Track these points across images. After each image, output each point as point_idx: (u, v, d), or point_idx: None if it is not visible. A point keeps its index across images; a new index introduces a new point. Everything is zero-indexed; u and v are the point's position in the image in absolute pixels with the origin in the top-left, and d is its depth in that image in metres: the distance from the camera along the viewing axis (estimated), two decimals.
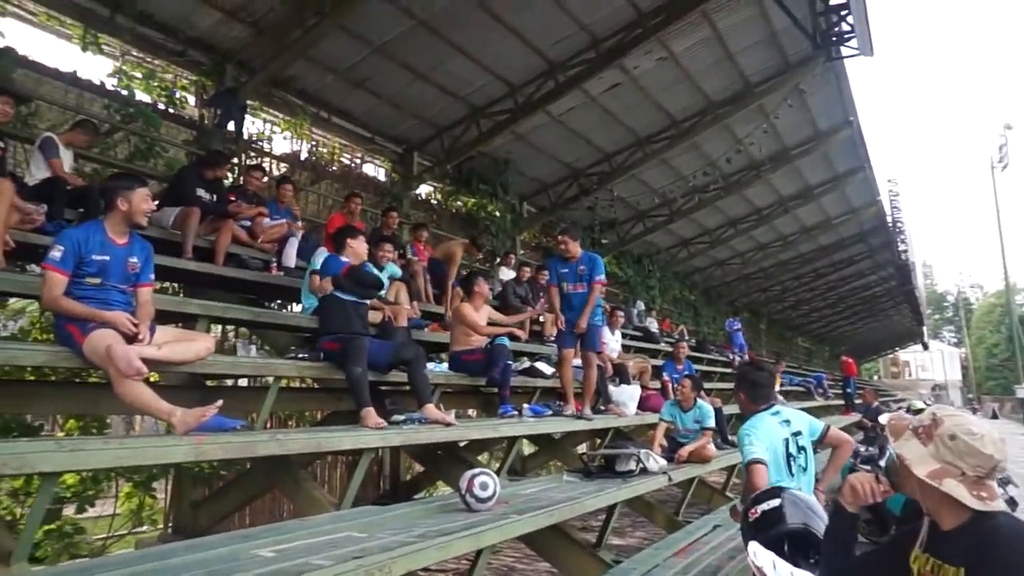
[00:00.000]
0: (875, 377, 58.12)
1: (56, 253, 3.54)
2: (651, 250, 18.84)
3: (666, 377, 9.43)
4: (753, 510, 2.57)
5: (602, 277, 6.40)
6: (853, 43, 10.27)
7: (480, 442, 7.57)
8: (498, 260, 11.80)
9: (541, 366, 7.65)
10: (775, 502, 2.54)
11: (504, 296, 9.97)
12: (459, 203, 12.98)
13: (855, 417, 15.96)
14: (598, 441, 8.36)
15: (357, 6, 7.69)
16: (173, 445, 3.10)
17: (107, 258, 3.68)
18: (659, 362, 10.77)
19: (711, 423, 6.74)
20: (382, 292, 6.83)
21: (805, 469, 3.55)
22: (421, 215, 11.94)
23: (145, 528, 8.09)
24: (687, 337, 15.92)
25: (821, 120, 13.78)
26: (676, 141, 12.67)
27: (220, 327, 8.47)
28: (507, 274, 10.72)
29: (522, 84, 10.44)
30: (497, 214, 12.96)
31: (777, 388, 14.10)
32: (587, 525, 7.73)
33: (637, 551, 5.75)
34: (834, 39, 10.36)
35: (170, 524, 7.19)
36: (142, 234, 4.10)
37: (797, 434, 3.58)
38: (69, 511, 7.51)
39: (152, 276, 4.00)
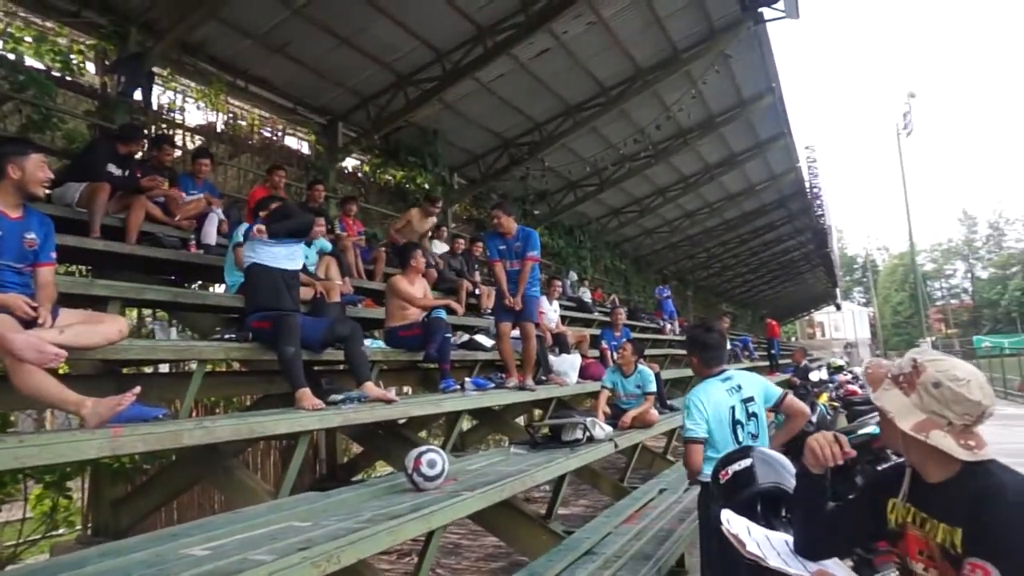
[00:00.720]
0: (792, 338, 60.84)
1: None
2: (582, 220, 18.87)
3: (604, 345, 9.44)
4: (724, 471, 2.48)
5: (535, 252, 6.38)
6: (779, 5, 10.38)
7: (420, 419, 7.36)
8: (430, 234, 11.50)
9: (480, 339, 7.49)
10: (746, 462, 2.45)
11: (438, 269, 9.73)
12: (388, 176, 12.56)
13: (780, 377, 16.58)
14: (538, 412, 8.30)
15: None
16: (85, 440, 2.77)
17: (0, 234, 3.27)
18: (595, 331, 10.78)
19: (653, 387, 6.74)
20: (311, 267, 6.50)
21: (756, 436, 3.50)
22: (348, 189, 11.49)
23: (62, 531, 7.55)
24: (619, 305, 16.10)
25: (745, 87, 13.99)
26: (605, 109, 12.59)
27: (136, 311, 7.93)
28: (440, 247, 10.46)
29: (450, 50, 10.08)
30: (426, 186, 12.61)
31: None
32: (531, 497, 7.69)
33: (584, 520, 5.73)
34: (760, 1, 10.41)
35: (89, 525, 6.72)
36: (43, 210, 3.68)
37: (748, 400, 3.53)
38: None
39: (53, 255, 3.58)
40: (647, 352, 12.89)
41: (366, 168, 12.38)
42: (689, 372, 9.45)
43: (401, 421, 6.77)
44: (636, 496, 5.73)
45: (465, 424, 9.95)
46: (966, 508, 1.58)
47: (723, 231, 24.57)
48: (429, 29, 9.58)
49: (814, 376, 9.97)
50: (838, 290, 48.60)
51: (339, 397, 4.57)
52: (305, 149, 11.17)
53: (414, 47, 9.86)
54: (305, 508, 3.44)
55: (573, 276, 16.55)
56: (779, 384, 4.39)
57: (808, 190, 23.37)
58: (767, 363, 20.07)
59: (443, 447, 5.80)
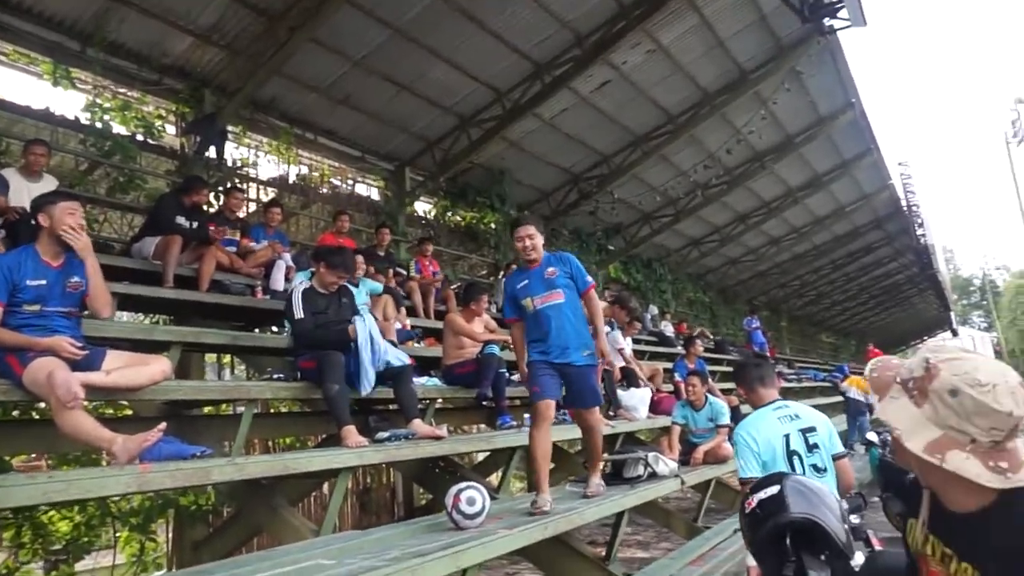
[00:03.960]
0: None
1: None
2: (660, 253, 18.44)
3: (678, 378, 9.02)
4: (749, 500, 2.21)
5: (589, 279, 4.40)
6: (844, 14, 9.90)
7: (494, 459, 7.24)
8: (501, 274, 11.52)
9: None
10: (773, 489, 2.17)
11: (506, 307, 9.68)
12: (457, 217, 12.74)
13: None
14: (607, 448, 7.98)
15: (329, 18, 7.48)
16: (112, 476, 2.83)
17: (44, 282, 3.44)
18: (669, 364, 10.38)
19: (725, 420, 6.35)
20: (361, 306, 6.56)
21: (822, 471, 3.11)
22: (418, 232, 11.70)
23: (152, 573, 7.83)
24: (707, 337, 15.48)
25: (822, 104, 13.38)
26: (674, 136, 12.33)
27: (216, 357, 8.25)
28: None
29: (509, 89, 10.21)
30: (493, 226, 12.69)
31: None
32: (605, 539, 7.35)
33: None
34: (823, 11, 9.96)
35: (174, 568, 6.93)
36: (119, 264, 3.81)
37: (809, 430, 3.19)
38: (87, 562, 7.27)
39: None
40: (729, 385, 12.35)
41: (435, 211, 12.61)
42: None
43: (476, 460, 6.52)
44: (707, 536, 5.34)
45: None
46: (1004, 550, 1.24)
47: (814, 257, 23.37)
48: (487, 70, 9.74)
49: (868, 368, 9.00)
50: (952, 314, 45.10)
51: (385, 434, 4.51)
52: (375, 195, 11.50)
53: (473, 89, 10.04)
54: (338, 546, 3.37)
55: (654, 310, 16.13)
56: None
57: (905, 208, 21.95)
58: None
59: (499, 486, 5.67)
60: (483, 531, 3.54)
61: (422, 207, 12.54)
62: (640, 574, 4.35)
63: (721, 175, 14.94)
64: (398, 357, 5.07)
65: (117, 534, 7.28)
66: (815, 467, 3.12)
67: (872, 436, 7.48)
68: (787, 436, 3.13)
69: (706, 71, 11.25)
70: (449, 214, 12.59)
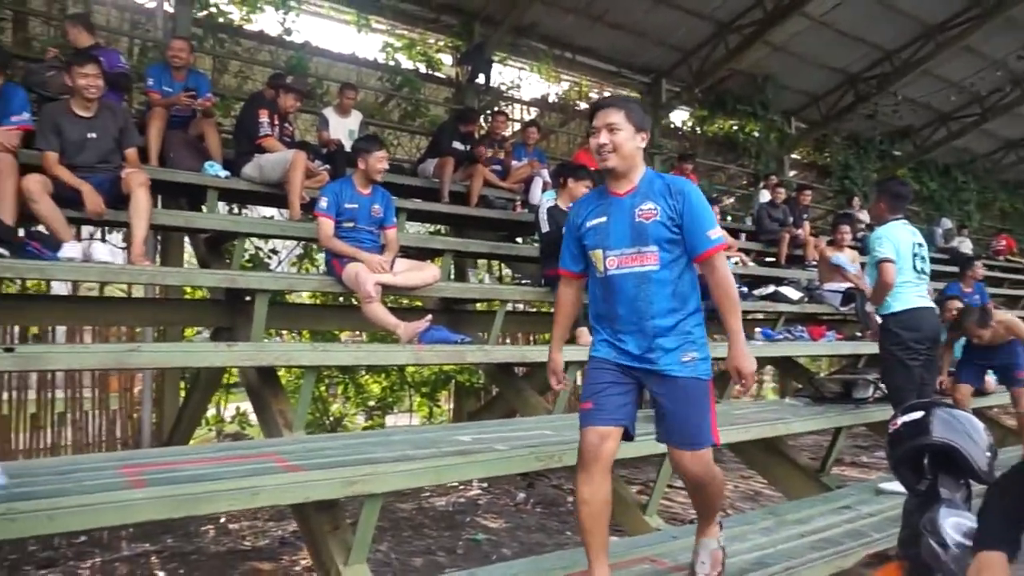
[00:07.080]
0: None
1: (323, 203, 4.52)
2: (962, 158, 15.94)
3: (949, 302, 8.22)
4: (893, 422, 2.41)
5: (718, 235, 2.38)
6: None
7: None
8: (761, 184, 11.20)
9: (787, 291, 7.31)
10: (918, 414, 2.34)
11: (759, 220, 9.59)
12: (715, 127, 12.47)
13: None
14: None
15: None
16: (397, 351, 3.87)
17: (356, 206, 4.58)
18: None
19: None
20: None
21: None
22: (673, 144, 11.77)
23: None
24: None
25: None
26: (981, 21, 10.48)
27: (486, 263, 9.51)
28: (764, 196, 10.16)
29: None
30: (757, 134, 12.19)
31: None
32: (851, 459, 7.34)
33: None
34: None
35: None
36: (409, 183, 4.83)
37: (922, 246, 4.35)
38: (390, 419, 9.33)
39: (394, 219, 4.84)
40: None
41: (691, 121, 12.47)
42: None
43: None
44: None
45: None
46: None
47: None
48: None
49: None
50: None
51: None
52: None
53: None
54: (560, 423, 4.12)
55: (946, 223, 14.25)
56: None
57: None
58: None
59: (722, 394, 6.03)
60: None
61: (679, 117, 12.51)
62: (851, 487, 4.50)
63: None
64: None
65: (412, 400, 9.17)
66: (926, 273, 4.36)
67: None
68: (913, 244, 4.32)
69: None
70: (706, 124, 12.38)
